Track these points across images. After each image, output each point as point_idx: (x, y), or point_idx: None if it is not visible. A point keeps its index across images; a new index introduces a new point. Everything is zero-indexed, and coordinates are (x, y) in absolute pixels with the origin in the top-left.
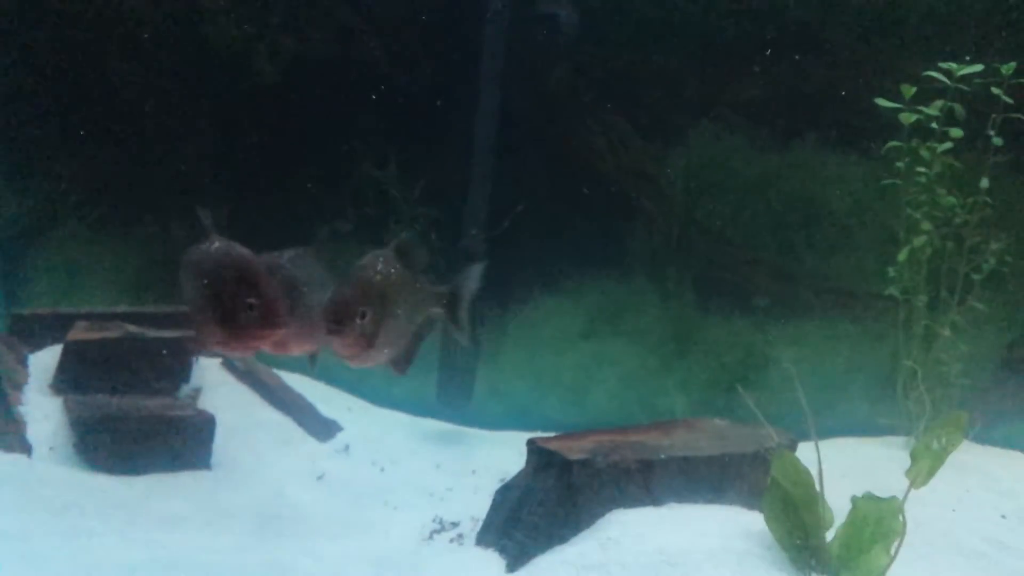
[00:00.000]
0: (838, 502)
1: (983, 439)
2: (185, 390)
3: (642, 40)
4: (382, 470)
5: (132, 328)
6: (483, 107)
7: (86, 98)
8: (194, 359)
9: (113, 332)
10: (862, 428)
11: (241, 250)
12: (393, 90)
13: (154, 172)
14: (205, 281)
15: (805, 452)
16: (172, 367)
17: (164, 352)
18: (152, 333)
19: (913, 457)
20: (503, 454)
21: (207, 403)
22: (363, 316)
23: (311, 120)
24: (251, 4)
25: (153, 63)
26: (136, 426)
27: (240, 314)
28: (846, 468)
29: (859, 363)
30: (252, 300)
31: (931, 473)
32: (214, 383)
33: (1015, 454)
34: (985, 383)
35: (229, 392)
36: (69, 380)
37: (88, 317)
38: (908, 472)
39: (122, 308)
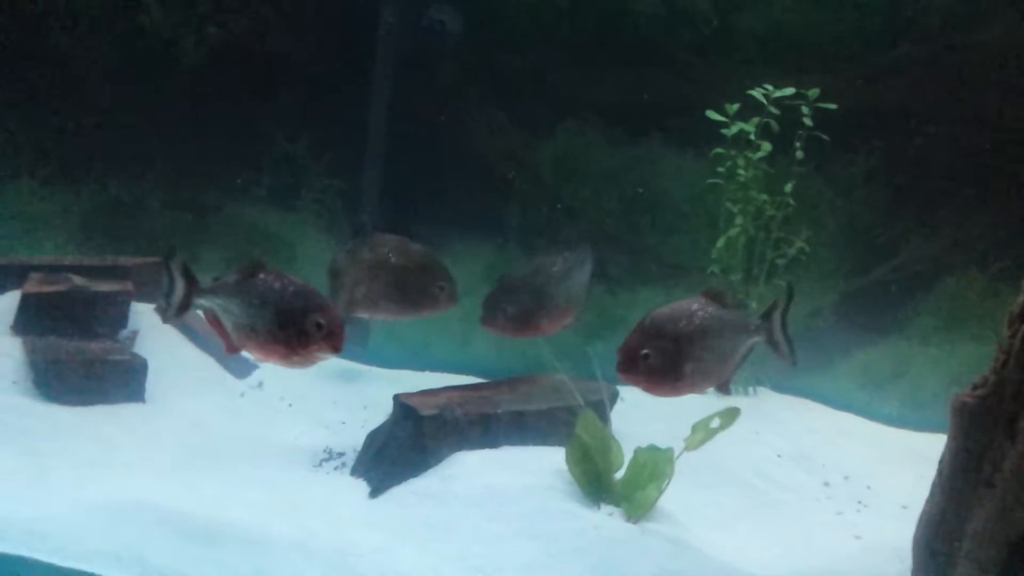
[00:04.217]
0: (647, 440)
1: (782, 388)
2: (124, 333)
3: (518, 45)
4: (290, 405)
5: (78, 280)
6: (377, 96)
7: (37, 69)
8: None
9: (63, 285)
10: None
11: None
12: (305, 76)
13: (95, 137)
14: None
15: (631, 394)
16: (112, 315)
17: (105, 302)
18: (95, 286)
19: (693, 429)
20: (393, 391)
21: (142, 344)
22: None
23: (232, 98)
24: None
25: (94, 43)
26: (83, 366)
27: None
28: (660, 414)
29: None
30: None
31: (703, 442)
32: (148, 326)
33: (806, 402)
34: None
35: (161, 334)
36: (27, 324)
37: (40, 268)
38: (686, 439)
39: (69, 259)
